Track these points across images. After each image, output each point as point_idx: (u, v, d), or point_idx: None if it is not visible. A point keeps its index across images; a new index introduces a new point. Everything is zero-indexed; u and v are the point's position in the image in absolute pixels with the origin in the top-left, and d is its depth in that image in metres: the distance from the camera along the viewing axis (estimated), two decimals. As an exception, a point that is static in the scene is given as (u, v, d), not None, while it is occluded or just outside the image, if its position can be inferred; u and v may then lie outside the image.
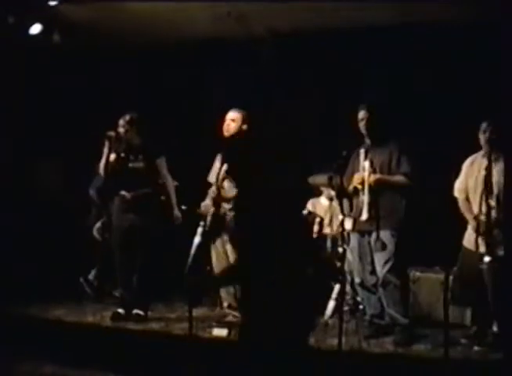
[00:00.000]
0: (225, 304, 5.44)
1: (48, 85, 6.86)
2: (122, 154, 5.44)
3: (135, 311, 5.42)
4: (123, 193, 5.44)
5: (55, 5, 6.09)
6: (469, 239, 4.69)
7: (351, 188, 4.92)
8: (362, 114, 4.93)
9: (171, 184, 5.55)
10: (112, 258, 5.55)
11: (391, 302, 4.82)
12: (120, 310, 5.44)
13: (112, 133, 5.36)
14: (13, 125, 6.72)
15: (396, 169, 4.83)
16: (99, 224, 6.35)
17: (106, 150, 5.37)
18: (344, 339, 4.24)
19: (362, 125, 4.94)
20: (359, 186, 4.86)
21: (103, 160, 5.39)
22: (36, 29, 6.32)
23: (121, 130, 5.41)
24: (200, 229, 4.78)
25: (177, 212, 5.52)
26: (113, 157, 5.41)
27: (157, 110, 6.86)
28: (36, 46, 6.46)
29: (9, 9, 6.11)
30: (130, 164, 5.42)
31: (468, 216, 4.70)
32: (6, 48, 6.21)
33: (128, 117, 5.41)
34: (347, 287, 5.39)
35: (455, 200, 4.83)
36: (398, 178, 4.81)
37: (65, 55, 6.70)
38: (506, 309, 4.30)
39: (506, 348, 4.25)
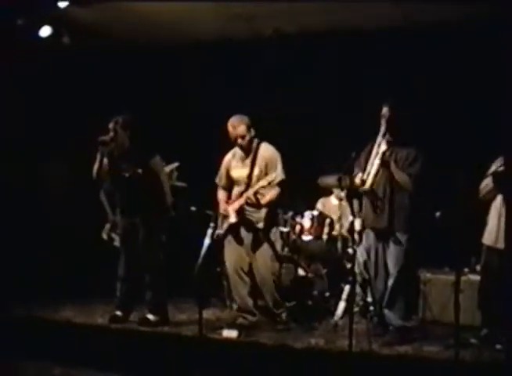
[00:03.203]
0: (235, 306, 5.41)
1: (56, 86, 6.87)
2: (117, 160, 5.38)
3: (152, 317, 5.36)
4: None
5: (65, 7, 6.09)
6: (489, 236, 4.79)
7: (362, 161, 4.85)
8: (384, 110, 4.88)
9: (165, 177, 5.50)
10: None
11: (393, 303, 4.81)
12: (118, 313, 5.41)
13: (105, 137, 5.31)
14: (21, 125, 6.73)
15: (406, 168, 4.80)
16: (107, 226, 6.35)
17: (98, 156, 5.34)
18: (354, 340, 4.24)
19: (382, 121, 4.87)
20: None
21: (96, 165, 5.36)
22: (45, 31, 6.34)
23: (112, 134, 5.32)
24: (209, 231, 4.77)
25: (169, 201, 5.41)
26: (106, 161, 5.37)
27: (165, 112, 6.88)
28: (45, 48, 6.47)
29: (17, 11, 6.12)
30: (126, 174, 5.34)
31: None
32: (15, 49, 6.21)
33: (120, 120, 5.34)
34: (358, 288, 5.37)
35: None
36: (403, 175, 4.76)
37: (74, 56, 6.72)
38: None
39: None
